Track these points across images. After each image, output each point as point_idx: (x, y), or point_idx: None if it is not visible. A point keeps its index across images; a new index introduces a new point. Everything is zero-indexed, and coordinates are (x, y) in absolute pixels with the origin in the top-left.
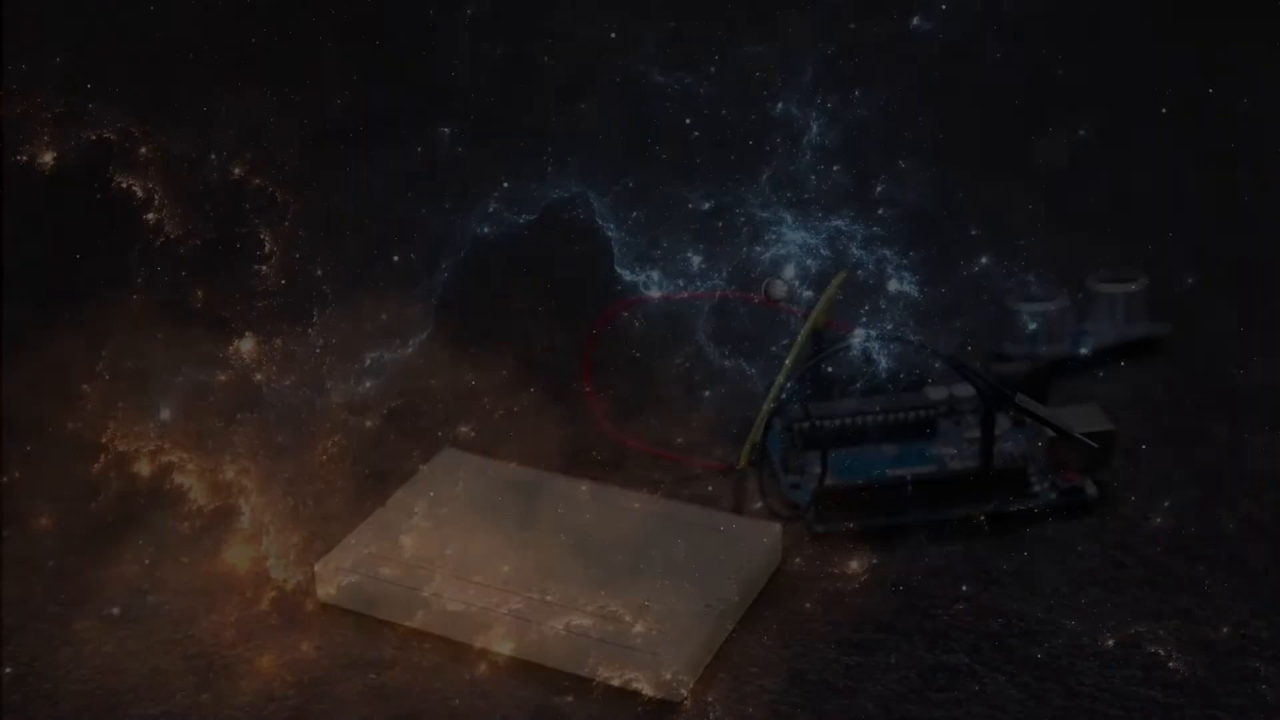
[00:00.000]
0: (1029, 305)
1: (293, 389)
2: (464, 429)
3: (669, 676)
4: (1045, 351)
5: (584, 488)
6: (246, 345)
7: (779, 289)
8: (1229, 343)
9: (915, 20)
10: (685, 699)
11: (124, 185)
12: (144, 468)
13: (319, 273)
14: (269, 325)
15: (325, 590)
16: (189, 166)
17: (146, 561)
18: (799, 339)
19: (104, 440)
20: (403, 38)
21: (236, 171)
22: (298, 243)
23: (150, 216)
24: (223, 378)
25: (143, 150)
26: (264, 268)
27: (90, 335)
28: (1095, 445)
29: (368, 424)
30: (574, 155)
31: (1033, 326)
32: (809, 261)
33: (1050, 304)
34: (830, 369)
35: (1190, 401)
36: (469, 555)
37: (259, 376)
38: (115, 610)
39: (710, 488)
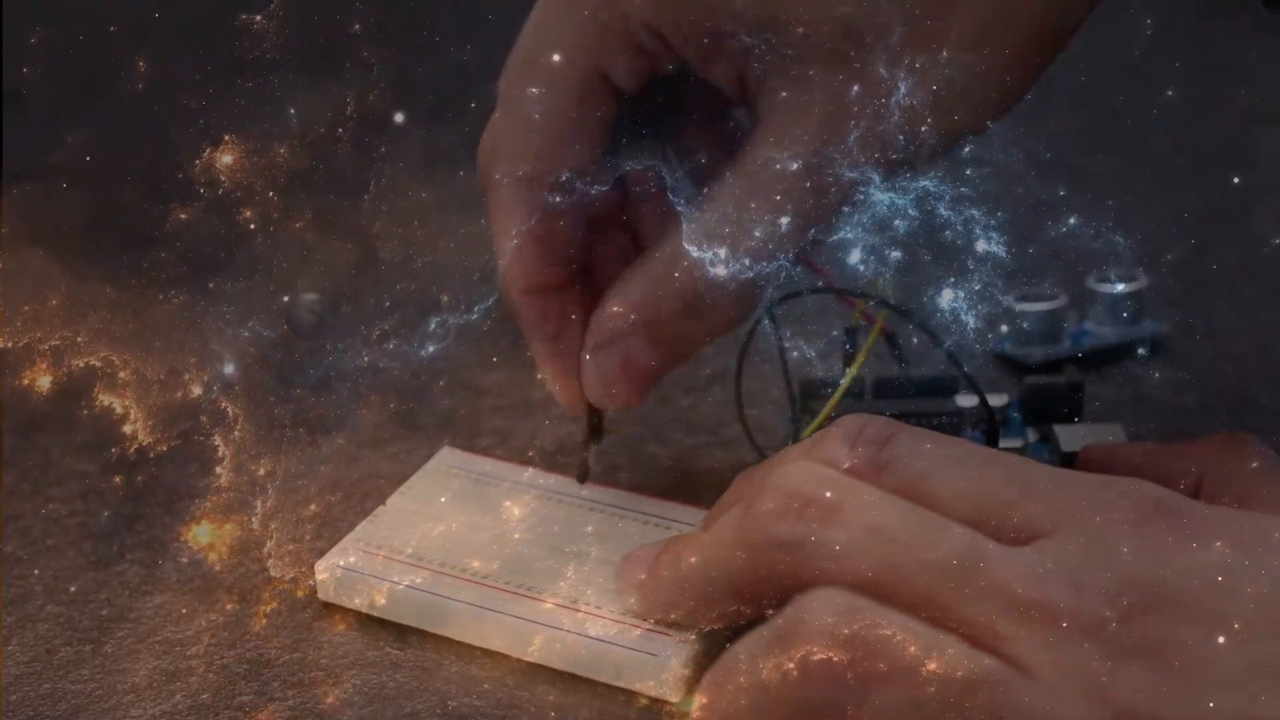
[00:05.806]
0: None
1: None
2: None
3: (669, 676)
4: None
5: (585, 488)
6: (226, 158)
7: None
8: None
9: None
10: (685, 699)
11: None
12: (44, 380)
13: (356, 27)
14: (266, 125)
15: (325, 589)
16: None
17: (147, 560)
18: (869, 338)
19: None
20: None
21: None
22: None
23: None
24: (184, 216)
25: None
26: (257, 20)
27: None
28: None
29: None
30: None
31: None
32: (897, 221)
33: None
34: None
35: (1192, 403)
36: (469, 554)
37: (248, 213)
38: (114, 610)
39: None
